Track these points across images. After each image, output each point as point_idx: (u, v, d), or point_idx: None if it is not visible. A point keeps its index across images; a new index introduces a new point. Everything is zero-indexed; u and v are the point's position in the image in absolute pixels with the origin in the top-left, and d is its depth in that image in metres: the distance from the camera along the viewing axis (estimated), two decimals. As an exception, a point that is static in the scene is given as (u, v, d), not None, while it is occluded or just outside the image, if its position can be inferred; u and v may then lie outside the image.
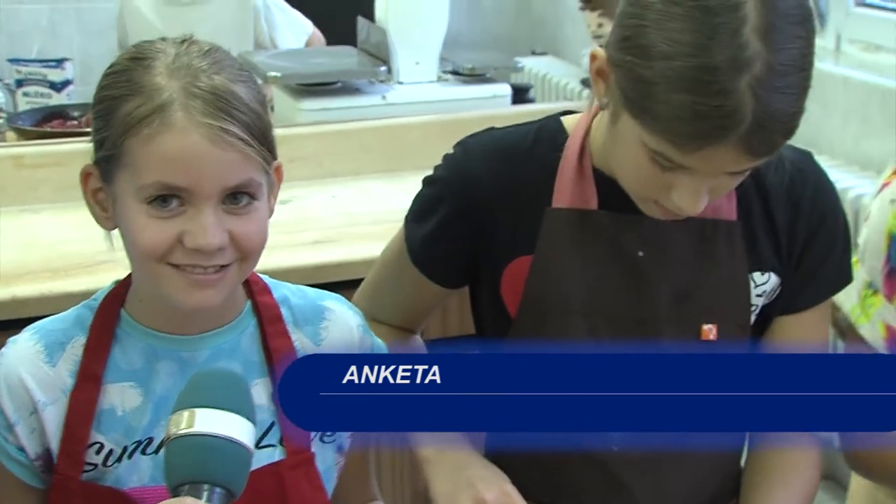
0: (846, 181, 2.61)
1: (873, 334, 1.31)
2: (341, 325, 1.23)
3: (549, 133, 1.26)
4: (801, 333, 1.27)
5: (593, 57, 1.13)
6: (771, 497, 1.26)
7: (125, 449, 1.14)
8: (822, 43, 3.03)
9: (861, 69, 2.84)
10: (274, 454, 1.16)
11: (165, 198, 1.07)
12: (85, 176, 1.14)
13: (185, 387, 1.01)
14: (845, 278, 1.29)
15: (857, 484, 1.50)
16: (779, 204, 1.23)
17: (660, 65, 1.04)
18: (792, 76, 1.05)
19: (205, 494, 0.95)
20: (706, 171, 1.09)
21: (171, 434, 0.98)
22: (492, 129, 1.30)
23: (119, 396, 1.14)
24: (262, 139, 1.10)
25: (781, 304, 1.27)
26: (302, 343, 1.20)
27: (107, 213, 1.13)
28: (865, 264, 1.33)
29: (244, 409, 1.00)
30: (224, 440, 0.97)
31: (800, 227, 1.24)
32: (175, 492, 0.96)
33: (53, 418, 1.13)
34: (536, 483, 1.28)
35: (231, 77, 1.09)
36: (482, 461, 1.24)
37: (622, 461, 1.25)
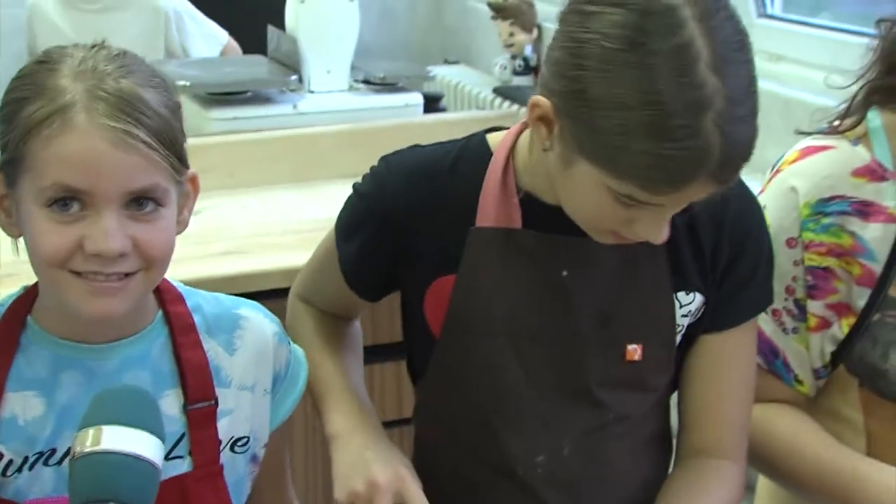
0: (750, 188, 2.66)
1: None
2: (256, 333, 1.21)
3: (472, 152, 1.25)
4: (725, 352, 1.28)
5: (534, 105, 1.10)
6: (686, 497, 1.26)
7: (26, 459, 1.11)
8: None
9: (764, 79, 2.90)
10: (182, 465, 1.14)
11: (66, 201, 1.05)
12: None
13: (90, 403, 0.99)
14: (769, 298, 1.30)
15: (763, 483, 1.53)
16: (703, 223, 1.23)
17: (618, 115, 1.02)
18: (747, 103, 1.05)
19: None
20: (675, 206, 1.09)
21: (76, 453, 0.96)
22: (416, 146, 1.29)
23: (21, 405, 1.11)
24: (170, 145, 1.08)
25: (706, 324, 1.27)
26: (215, 352, 1.18)
27: (12, 220, 1.11)
28: None
29: (152, 425, 0.98)
30: (131, 457, 0.95)
31: (723, 247, 1.24)
32: None
33: None
34: (461, 502, 1.27)
35: (139, 81, 1.07)
36: (386, 443, 1.23)
37: (546, 483, 1.25)
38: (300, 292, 1.40)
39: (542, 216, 1.20)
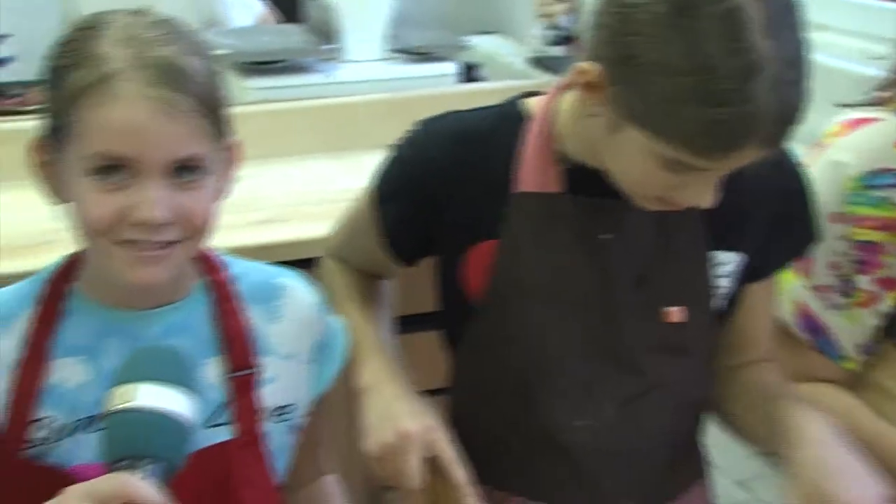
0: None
1: (784, 311, 1.36)
2: (298, 302, 1.22)
3: (509, 116, 1.25)
4: (763, 292, 1.31)
5: (581, 71, 1.10)
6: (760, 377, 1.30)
7: (70, 426, 1.12)
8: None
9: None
10: (224, 433, 1.15)
11: (110, 169, 1.05)
12: (35, 149, 1.11)
13: (124, 362, 1.00)
14: (814, 238, 1.30)
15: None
16: (737, 179, 1.23)
17: (668, 80, 1.02)
18: (798, 66, 1.04)
19: (145, 470, 0.94)
20: (726, 170, 1.09)
21: (110, 409, 0.97)
22: (454, 111, 1.29)
23: (66, 371, 1.13)
24: (213, 113, 1.08)
25: (750, 274, 1.28)
26: (257, 320, 1.19)
27: (58, 187, 1.11)
28: None
29: (185, 383, 0.98)
30: (164, 414, 0.95)
31: (760, 202, 1.24)
32: (114, 467, 0.95)
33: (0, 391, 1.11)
34: (503, 471, 1.28)
35: (183, 49, 1.07)
36: (417, 397, 1.24)
37: (587, 449, 1.25)
38: (335, 252, 1.41)
39: (581, 180, 1.20)
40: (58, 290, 1.15)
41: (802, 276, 1.35)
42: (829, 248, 1.31)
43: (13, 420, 1.11)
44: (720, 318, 1.29)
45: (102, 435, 0.97)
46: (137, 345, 1.13)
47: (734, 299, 1.30)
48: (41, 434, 1.12)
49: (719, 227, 1.24)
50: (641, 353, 1.24)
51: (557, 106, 1.23)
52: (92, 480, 0.92)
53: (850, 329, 1.35)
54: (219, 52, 2.50)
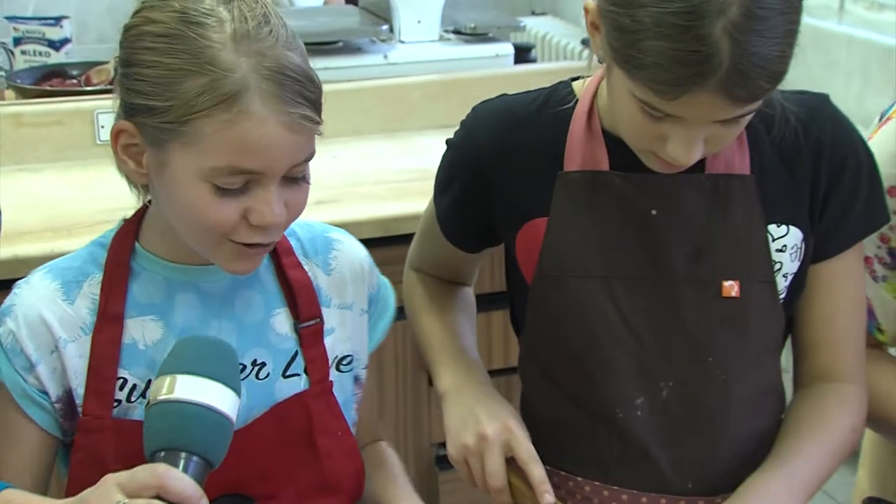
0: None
1: None
2: (350, 254, 1.25)
3: (558, 97, 1.26)
4: (835, 277, 1.26)
5: (587, 10, 1.14)
6: (800, 449, 1.23)
7: (150, 382, 1.12)
8: (826, 1, 3.01)
9: (864, 27, 2.82)
10: (299, 383, 1.18)
11: (232, 177, 1.06)
12: (118, 132, 1.11)
13: (170, 351, 1.01)
14: (878, 218, 1.27)
15: (868, 444, 1.51)
16: (795, 154, 1.22)
17: (640, 12, 1.04)
18: (772, 19, 1.04)
19: (181, 462, 0.94)
20: (693, 119, 1.09)
21: (151, 400, 0.97)
22: (503, 95, 1.30)
23: (140, 330, 1.15)
24: (320, 111, 1.09)
25: (813, 254, 1.25)
26: (314, 273, 1.21)
27: (142, 170, 1.11)
28: None
29: (228, 378, 0.99)
30: (204, 408, 0.96)
31: (820, 175, 1.22)
32: (152, 458, 0.95)
33: (74, 357, 1.13)
34: (564, 450, 1.28)
35: (288, 46, 1.07)
36: (496, 397, 1.26)
37: (647, 428, 1.24)
38: (411, 262, 1.44)
39: (629, 157, 1.20)
40: (123, 252, 1.16)
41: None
42: None
43: (98, 384, 1.12)
44: (787, 303, 1.26)
45: (144, 424, 0.98)
46: (207, 299, 1.15)
47: (801, 283, 1.27)
48: (122, 394, 1.13)
49: (773, 198, 1.23)
50: (698, 328, 1.22)
51: (602, 84, 1.23)
52: (130, 470, 0.93)
53: (890, 302, 1.33)
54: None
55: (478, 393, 1.26)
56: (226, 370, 1.00)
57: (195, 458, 0.95)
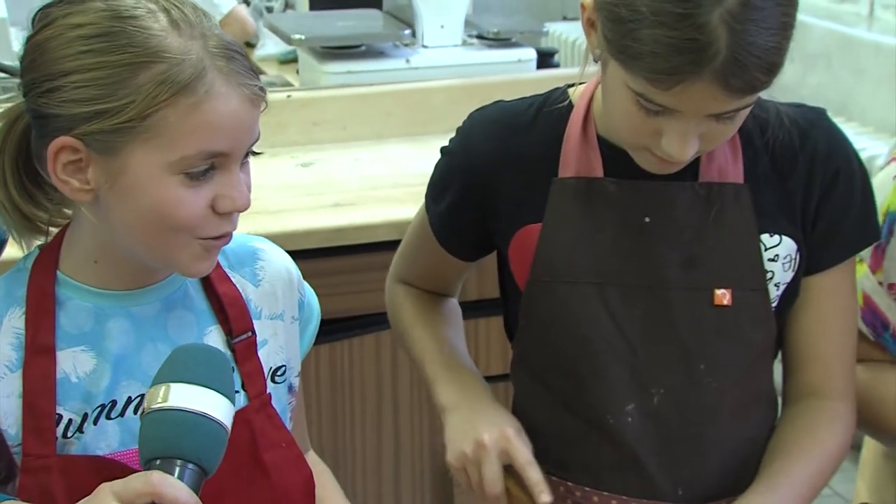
0: (876, 148, 2.57)
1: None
2: (276, 263, 1.21)
3: (554, 103, 1.26)
4: (825, 291, 1.25)
5: (583, 7, 1.13)
6: (787, 470, 1.23)
7: (86, 416, 1.09)
8: (856, 9, 2.99)
9: (894, 35, 2.80)
10: (239, 400, 1.13)
11: (201, 165, 1.03)
12: (58, 151, 1.02)
13: (164, 362, 0.99)
14: (870, 235, 1.26)
15: (868, 452, 1.50)
16: (789, 164, 1.22)
17: (637, 2, 1.05)
18: (768, 10, 1.04)
19: (177, 470, 0.93)
20: (688, 111, 1.08)
21: (145, 408, 0.96)
22: (499, 101, 1.30)
23: (71, 362, 1.09)
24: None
25: (805, 266, 1.25)
26: (242, 285, 1.18)
27: (87, 186, 1.04)
28: None
29: (222, 386, 0.97)
30: (199, 416, 0.95)
31: (813, 186, 1.22)
32: (147, 466, 0.94)
33: (1, 397, 1.07)
34: (557, 456, 1.27)
35: (217, 25, 1.06)
36: (496, 407, 1.26)
37: (638, 435, 1.24)
38: (395, 273, 1.42)
39: (624, 164, 1.20)
40: (46, 281, 1.09)
41: (873, 271, 1.31)
42: None
43: (36, 422, 1.07)
44: (778, 313, 1.25)
45: (139, 434, 0.96)
46: (140, 324, 1.11)
47: (793, 294, 1.26)
48: (62, 429, 1.08)
49: (765, 208, 1.22)
50: (691, 336, 1.22)
51: (598, 90, 1.23)
52: (125, 479, 0.92)
53: None
54: (297, 36, 2.54)
55: (477, 404, 1.27)
56: (219, 378, 0.98)
57: (190, 466, 0.94)
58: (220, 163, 1.03)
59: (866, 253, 1.30)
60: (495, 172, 1.25)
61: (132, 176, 1.02)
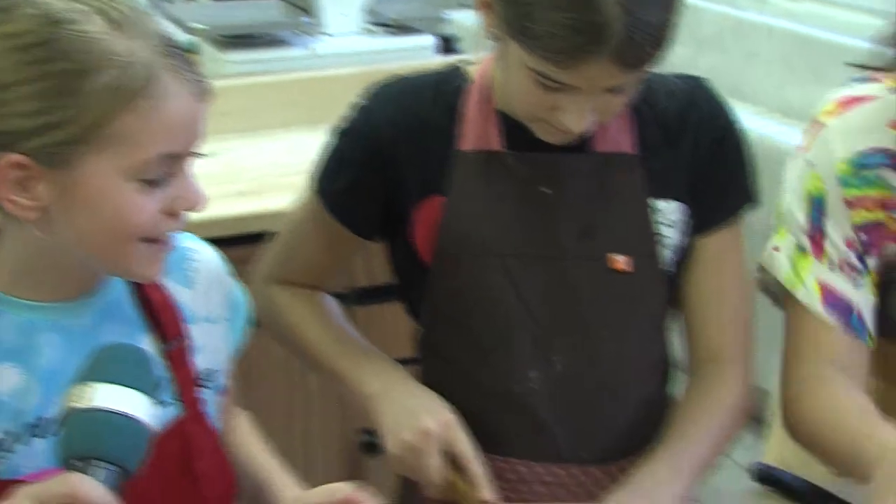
0: (768, 128, 2.64)
1: (809, 296, 1.32)
2: (207, 262, 1.18)
3: (452, 78, 1.28)
4: (712, 255, 1.30)
5: None
6: (683, 431, 1.28)
7: (16, 435, 1.04)
8: (748, -8, 3.05)
9: (785, 18, 2.87)
10: (172, 409, 1.11)
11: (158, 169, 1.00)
12: (5, 169, 0.97)
13: (85, 361, 0.96)
14: (752, 198, 1.31)
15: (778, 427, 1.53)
16: (677, 131, 1.27)
17: None
18: None
19: (95, 471, 0.91)
20: (586, 88, 1.13)
21: (66, 409, 0.93)
22: (399, 76, 1.31)
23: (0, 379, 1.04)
24: None
25: (694, 227, 1.29)
26: (174, 289, 1.14)
27: (35, 202, 0.98)
28: (791, 229, 1.34)
29: (145, 385, 0.95)
30: (122, 417, 0.92)
31: (700, 150, 1.27)
32: (66, 467, 0.91)
33: None
34: (469, 431, 1.28)
35: (154, 19, 1.03)
36: (425, 391, 1.26)
37: (542, 401, 1.27)
38: (269, 274, 1.39)
39: (522, 137, 1.23)
40: None
41: (818, 258, 1.32)
42: (841, 229, 1.30)
43: None
44: (674, 276, 1.30)
45: (58, 433, 0.93)
46: (72, 338, 1.06)
47: (685, 256, 1.30)
48: None
49: (657, 175, 1.27)
50: (591, 303, 1.26)
51: (496, 69, 1.25)
52: (42, 481, 0.89)
53: (873, 304, 1.32)
54: (198, 25, 2.51)
55: (405, 389, 1.26)
56: (142, 377, 0.96)
57: (110, 467, 0.91)
58: (174, 163, 1.01)
59: (805, 243, 1.33)
60: (398, 143, 1.26)
61: (87, 187, 0.98)
